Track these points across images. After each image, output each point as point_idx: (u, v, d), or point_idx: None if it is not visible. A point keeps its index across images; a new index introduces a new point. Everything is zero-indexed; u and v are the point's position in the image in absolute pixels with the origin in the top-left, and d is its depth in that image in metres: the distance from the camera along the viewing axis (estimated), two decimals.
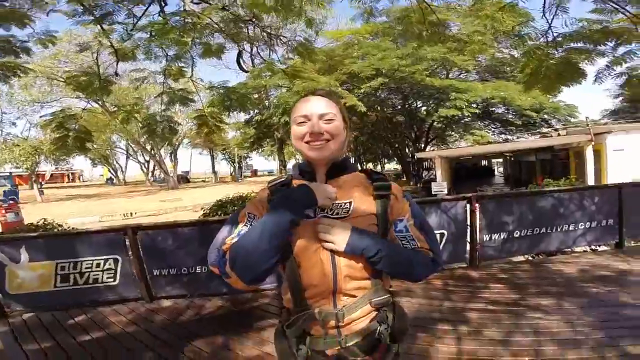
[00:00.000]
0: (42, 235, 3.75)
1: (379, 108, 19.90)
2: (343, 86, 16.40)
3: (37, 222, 4.93)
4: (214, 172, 42.41)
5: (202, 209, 5.89)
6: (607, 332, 2.34)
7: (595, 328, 2.40)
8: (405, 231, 0.97)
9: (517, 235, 4.00)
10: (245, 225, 0.95)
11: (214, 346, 2.56)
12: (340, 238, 0.88)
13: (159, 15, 3.20)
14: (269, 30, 3.96)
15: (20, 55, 3.22)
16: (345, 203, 0.95)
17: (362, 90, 15.80)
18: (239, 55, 4.65)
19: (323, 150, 0.96)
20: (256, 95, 15.86)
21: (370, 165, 32.82)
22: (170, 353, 2.51)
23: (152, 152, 30.00)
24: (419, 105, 21.16)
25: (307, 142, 0.96)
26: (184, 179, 38.12)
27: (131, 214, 14.41)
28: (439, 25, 3.35)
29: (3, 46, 3.03)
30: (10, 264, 3.35)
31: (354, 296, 0.92)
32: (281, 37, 3.97)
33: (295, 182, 1.01)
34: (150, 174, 38.18)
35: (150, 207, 16.70)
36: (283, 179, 1.01)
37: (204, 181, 40.39)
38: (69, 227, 5.12)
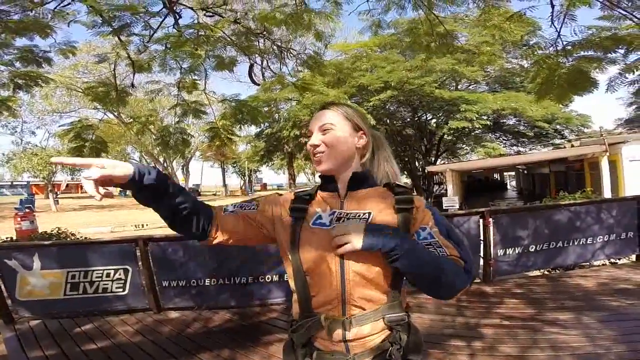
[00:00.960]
0: (55, 243, 3.80)
1: (388, 121, 19.88)
2: (352, 99, 16.49)
3: (51, 231, 5.00)
4: (225, 185, 42.70)
5: None
6: (629, 346, 2.24)
7: (617, 342, 2.30)
8: (430, 238, 0.89)
9: (532, 250, 3.89)
10: (246, 202, 1.04)
11: (220, 359, 2.52)
12: (355, 236, 0.83)
13: (174, 27, 3.29)
14: (279, 43, 4.03)
15: (42, 65, 3.32)
16: (365, 213, 0.92)
17: (371, 103, 15.80)
18: (251, 68, 4.73)
19: (320, 163, 0.96)
20: (266, 109, 16.06)
21: None
22: None
23: (165, 164, 30.51)
24: (428, 118, 21.05)
25: (313, 155, 0.98)
26: (195, 192, 38.48)
27: (142, 225, 14.56)
28: (447, 37, 3.35)
29: (26, 55, 3.13)
30: (22, 271, 3.39)
31: (364, 308, 0.88)
32: (291, 50, 4.03)
33: (320, 194, 1.00)
34: None
35: (161, 219, 16.83)
36: (309, 189, 1.01)
37: (214, 194, 40.70)
38: (81, 236, 5.19)
